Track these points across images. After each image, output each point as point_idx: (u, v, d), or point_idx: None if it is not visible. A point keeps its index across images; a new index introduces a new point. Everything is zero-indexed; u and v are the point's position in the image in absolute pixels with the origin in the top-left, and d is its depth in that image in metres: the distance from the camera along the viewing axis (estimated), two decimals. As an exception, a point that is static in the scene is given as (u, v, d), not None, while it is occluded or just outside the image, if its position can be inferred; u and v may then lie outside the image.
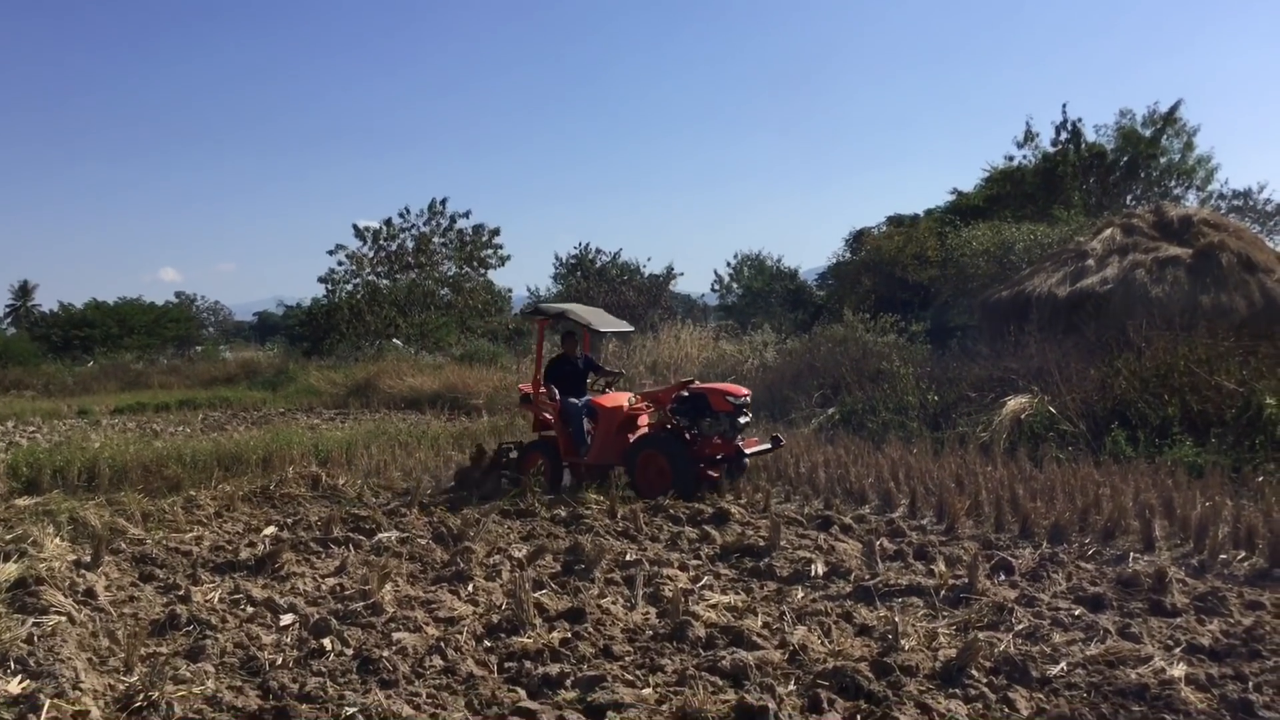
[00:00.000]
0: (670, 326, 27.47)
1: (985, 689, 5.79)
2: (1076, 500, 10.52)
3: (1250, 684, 5.78)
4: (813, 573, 8.63)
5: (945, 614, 7.40)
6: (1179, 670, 5.93)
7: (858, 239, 42.36)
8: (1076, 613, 7.19)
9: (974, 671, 6.02)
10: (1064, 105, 34.58)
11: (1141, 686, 5.64)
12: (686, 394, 12.93)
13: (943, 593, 7.80)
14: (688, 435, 12.82)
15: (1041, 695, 5.75)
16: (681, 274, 43.78)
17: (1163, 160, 33.89)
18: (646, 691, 5.83)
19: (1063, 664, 6.15)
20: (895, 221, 43.06)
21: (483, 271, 48.20)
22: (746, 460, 13.10)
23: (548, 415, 13.91)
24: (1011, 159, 36.10)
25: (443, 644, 6.68)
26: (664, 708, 5.53)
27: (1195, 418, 13.04)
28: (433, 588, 8.35)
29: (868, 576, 8.34)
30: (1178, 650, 6.39)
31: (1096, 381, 14.47)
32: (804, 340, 24.21)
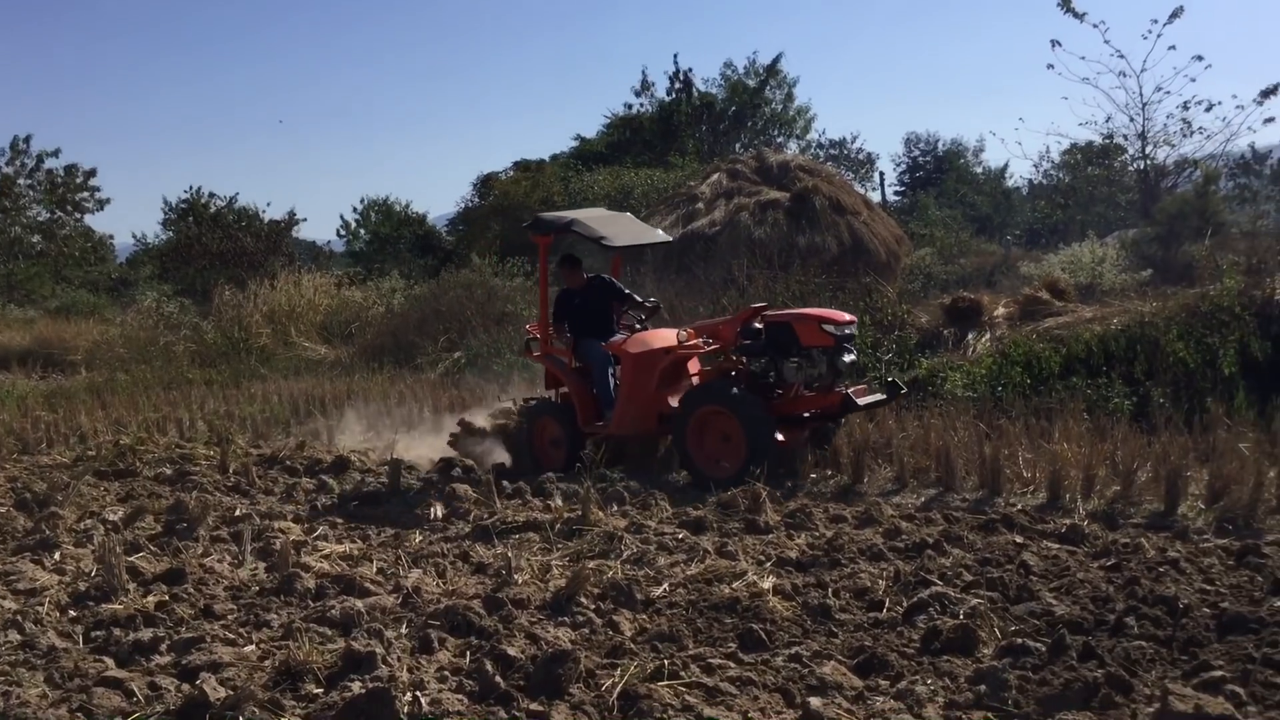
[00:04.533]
0: (289, 273, 26.40)
1: (592, 614, 5.96)
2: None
3: (830, 590, 6.28)
4: (432, 516, 8.61)
5: (560, 547, 7.57)
6: (768, 582, 6.34)
7: (485, 184, 42.30)
8: (680, 536, 7.55)
9: (583, 599, 6.18)
10: (675, 56, 36.16)
11: (734, 600, 5.99)
12: (759, 325, 9.70)
13: (558, 526, 7.96)
14: (765, 383, 9.68)
15: (645, 616, 5.98)
16: (304, 219, 42.25)
17: (766, 110, 36.06)
18: (249, 649, 5.58)
19: (665, 585, 6.43)
20: (522, 167, 43.31)
21: (78, 216, 44.20)
22: (841, 420, 9.88)
23: (557, 367, 10.71)
24: (631, 107, 37.26)
25: (20, 617, 6.10)
26: (267, 663, 5.31)
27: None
28: (12, 559, 7.61)
29: (486, 516, 8.39)
30: (769, 564, 6.84)
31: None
32: (431, 285, 23.98)
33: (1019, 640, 5.23)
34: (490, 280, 22.41)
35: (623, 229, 10.70)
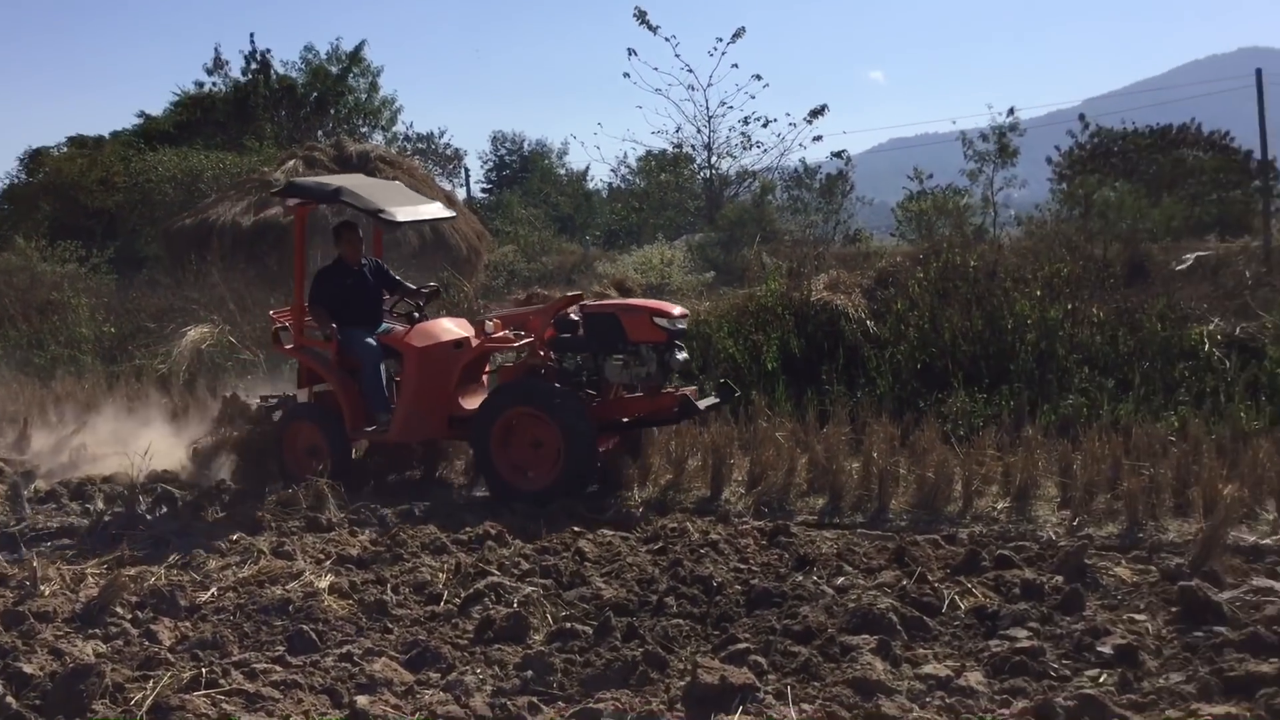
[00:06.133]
0: None
1: (128, 624, 5.57)
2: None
3: (389, 586, 6.19)
4: (-62, 525, 7.73)
5: (99, 554, 7.03)
6: (325, 581, 6.18)
7: (35, 159, 38.48)
8: (235, 537, 7.20)
9: (118, 608, 5.77)
10: (252, 35, 34.32)
11: (286, 601, 5.78)
12: (576, 316, 8.61)
13: (98, 531, 7.39)
14: (577, 382, 8.56)
15: (188, 623, 5.65)
16: None
17: (350, 99, 35.20)
18: None
19: (213, 589, 6.12)
20: (78, 143, 39.82)
21: None
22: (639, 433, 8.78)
23: (317, 362, 9.05)
24: (202, 86, 35.15)
25: None
26: None
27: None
28: None
29: (13, 522, 7.65)
30: (328, 562, 6.66)
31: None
32: (-38, 269, 21.56)
33: (568, 625, 5.41)
34: (36, 265, 20.51)
35: (399, 201, 9.18)
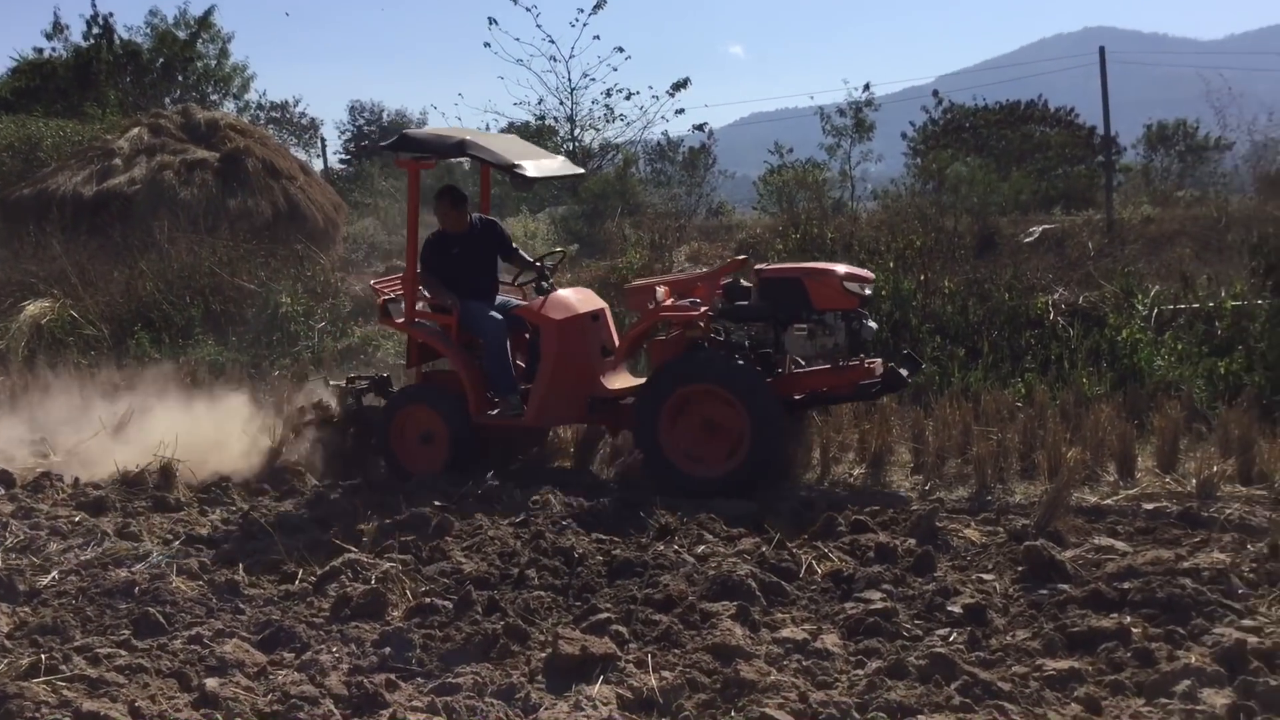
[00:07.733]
0: None
1: (-40, 613, 5.29)
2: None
3: (240, 566, 6.03)
4: None
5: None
6: (195, 563, 6.01)
7: None
8: (77, 519, 6.93)
9: (-52, 596, 5.48)
10: (94, -1, 32.78)
11: (131, 584, 5.58)
12: (749, 282, 7.67)
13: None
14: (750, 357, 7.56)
15: (28, 609, 5.41)
16: None
17: (199, 65, 34.02)
18: None
19: (54, 573, 5.88)
20: (-94, 108, 37.77)
21: None
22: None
23: (435, 338, 8.13)
24: (42, 51, 33.56)
25: None
26: None
27: (219, 317, 13.38)
28: None
29: None
30: (176, 543, 6.47)
31: (121, 284, 14.21)
32: None
33: (428, 600, 5.33)
34: None
35: (524, 155, 8.07)
